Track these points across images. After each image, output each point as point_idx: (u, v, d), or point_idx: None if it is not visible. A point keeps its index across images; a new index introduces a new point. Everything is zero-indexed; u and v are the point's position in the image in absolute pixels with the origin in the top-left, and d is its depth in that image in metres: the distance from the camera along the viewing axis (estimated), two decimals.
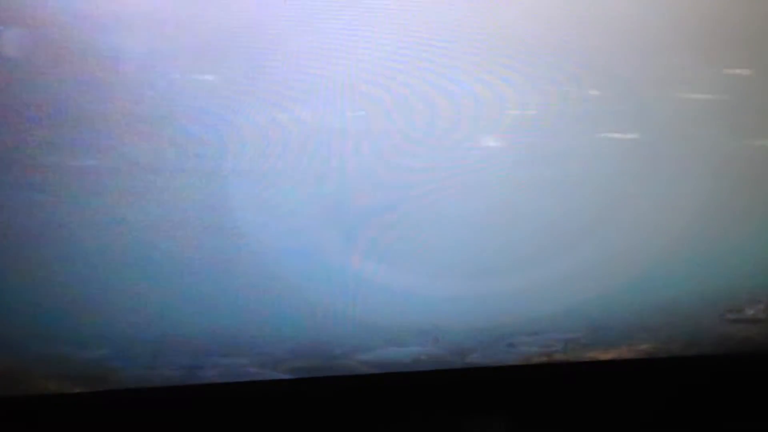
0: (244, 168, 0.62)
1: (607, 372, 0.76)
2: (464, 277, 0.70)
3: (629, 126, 0.67)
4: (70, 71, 0.58)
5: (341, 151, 0.63)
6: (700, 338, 0.76)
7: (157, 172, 0.61)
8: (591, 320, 0.73)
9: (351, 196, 0.65)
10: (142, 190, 0.61)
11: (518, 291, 0.71)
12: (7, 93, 0.57)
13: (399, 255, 0.68)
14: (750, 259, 0.74)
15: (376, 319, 0.70)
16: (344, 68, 0.61)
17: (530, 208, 0.68)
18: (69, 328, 0.65)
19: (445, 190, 0.66)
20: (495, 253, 0.69)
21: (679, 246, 0.72)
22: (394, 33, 0.61)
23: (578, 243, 0.70)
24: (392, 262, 0.68)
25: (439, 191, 0.66)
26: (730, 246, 0.73)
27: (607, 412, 0.77)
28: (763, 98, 0.68)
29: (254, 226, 0.64)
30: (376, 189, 0.65)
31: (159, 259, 0.64)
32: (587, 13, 0.63)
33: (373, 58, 0.62)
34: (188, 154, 0.61)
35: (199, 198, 0.62)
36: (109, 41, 0.57)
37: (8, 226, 0.61)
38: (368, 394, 0.73)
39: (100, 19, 0.57)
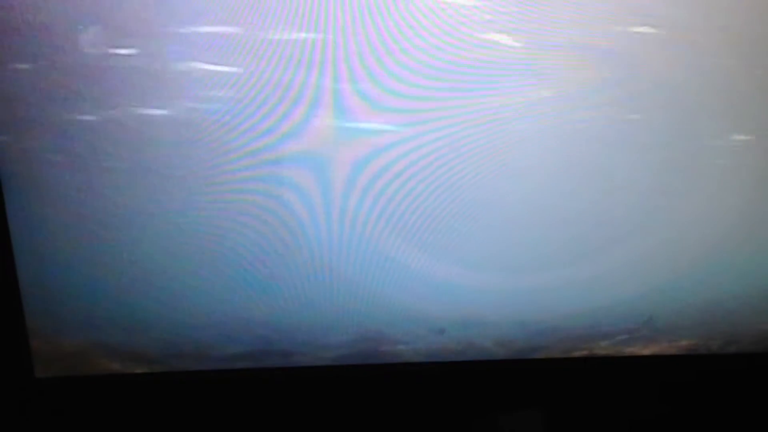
0: (305, 156, 0.65)
1: (648, 367, 0.77)
2: (509, 271, 0.71)
3: (675, 128, 0.67)
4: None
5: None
6: (740, 336, 0.77)
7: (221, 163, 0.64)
8: (635, 315, 0.74)
9: (402, 190, 0.67)
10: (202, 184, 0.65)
11: (562, 286, 0.72)
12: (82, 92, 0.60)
13: (444, 249, 0.70)
14: None
15: (423, 308, 0.72)
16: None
17: (576, 206, 0.69)
18: (132, 312, 0.69)
19: (493, 187, 0.67)
20: (539, 249, 0.71)
21: (721, 244, 0.72)
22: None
23: (622, 241, 0.71)
24: (438, 256, 0.70)
25: (486, 189, 0.67)
26: None
27: (646, 406, 0.78)
28: None
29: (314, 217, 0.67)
30: (422, 184, 0.67)
31: (219, 246, 0.67)
32: (643, 21, 0.63)
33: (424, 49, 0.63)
34: (251, 143, 0.63)
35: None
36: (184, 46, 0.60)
37: (75, 213, 0.64)
38: (409, 382, 0.75)
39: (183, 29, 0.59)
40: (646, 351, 0.76)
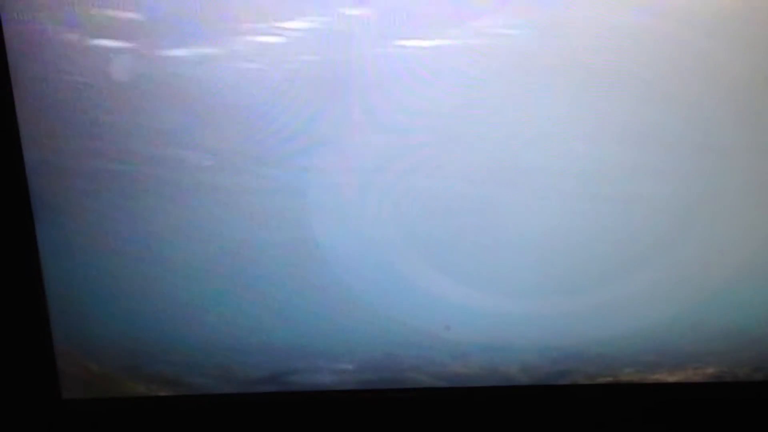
0: (329, 178, 0.65)
1: (673, 394, 0.76)
2: (533, 296, 0.71)
3: (700, 148, 0.67)
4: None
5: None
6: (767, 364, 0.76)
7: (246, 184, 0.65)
8: (658, 342, 0.74)
9: (427, 213, 0.67)
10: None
11: (586, 311, 0.72)
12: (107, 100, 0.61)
13: (468, 272, 0.70)
14: None
15: (446, 333, 0.72)
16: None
17: (599, 229, 0.69)
18: (159, 334, 0.69)
19: (514, 210, 0.67)
20: (564, 274, 0.70)
21: (748, 268, 0.71)
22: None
23: (646, 266, 0.71)
24: (462, 279, 0.70)
25: (509, 212, 0.68)
26: None
27: None
28: None
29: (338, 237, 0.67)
30: (446, 207, 0.67)
31: (246, 268, 0.67)
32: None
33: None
34: (270, 162, 0.64)
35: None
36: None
37: (104, 234, 0.65)
38: (433, 408, 0.75)
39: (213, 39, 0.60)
40: (672, 378, 0.75)
